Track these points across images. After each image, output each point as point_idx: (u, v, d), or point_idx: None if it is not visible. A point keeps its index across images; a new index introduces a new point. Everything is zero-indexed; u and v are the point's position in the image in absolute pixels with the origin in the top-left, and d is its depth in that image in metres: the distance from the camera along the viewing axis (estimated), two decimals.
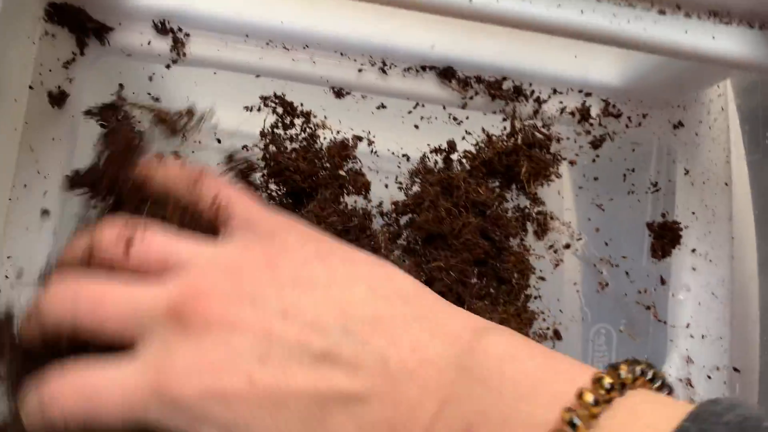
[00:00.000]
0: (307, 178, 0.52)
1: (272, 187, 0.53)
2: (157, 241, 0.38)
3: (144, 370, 0.34)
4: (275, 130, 0.54)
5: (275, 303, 0.34)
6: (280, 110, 0.54)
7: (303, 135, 0.54)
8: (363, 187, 0.54)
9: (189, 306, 0.34)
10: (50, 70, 0.52)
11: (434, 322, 0.33)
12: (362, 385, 0.31)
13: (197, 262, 0.36)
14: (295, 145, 0.54)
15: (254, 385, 0.31)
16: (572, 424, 0.27)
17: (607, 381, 0.29)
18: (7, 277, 0.50)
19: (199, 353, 0.33)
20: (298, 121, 0.54)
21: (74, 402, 0.34)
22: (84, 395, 0.34)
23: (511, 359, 0.31)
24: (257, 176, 0.52)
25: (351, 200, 0.54)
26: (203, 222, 0.40)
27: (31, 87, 0.51)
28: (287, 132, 0.54)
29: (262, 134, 0.54)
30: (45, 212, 0.51)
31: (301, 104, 0.55)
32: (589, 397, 0.28)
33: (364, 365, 0.31)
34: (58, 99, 0.52)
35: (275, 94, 0.54)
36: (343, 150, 0.54)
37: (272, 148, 0.53)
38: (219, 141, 0.54)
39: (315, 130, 0.54)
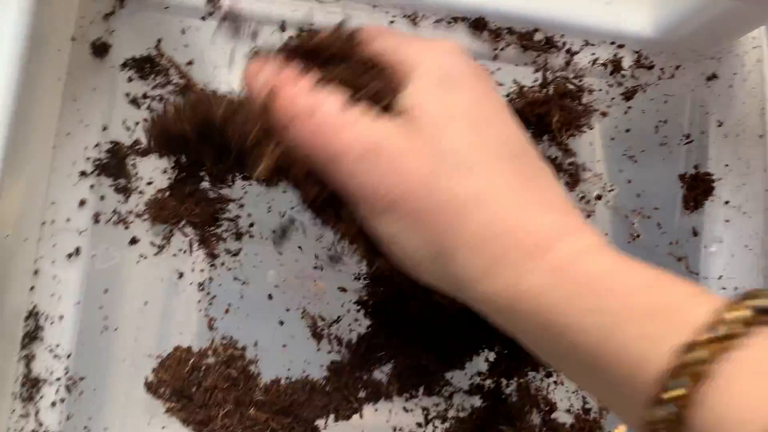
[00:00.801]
0: None
1: None
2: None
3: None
4: None
5: None
6: None
7: None
8: None
9: None
10: (91, 23, 0.54)
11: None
12: None
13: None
14: None
15: None
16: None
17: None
18: (54, 221, 0.52)
19: None
20: None
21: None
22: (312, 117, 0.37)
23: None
24: None
25: None
26: None
27: (73, 39, 0.53)
28: None
29: None
30: (87, 159, 0.53)
31: None
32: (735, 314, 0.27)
33: None
34: (100, 50, 0.53)
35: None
36: None
37: None
38: None
39: None
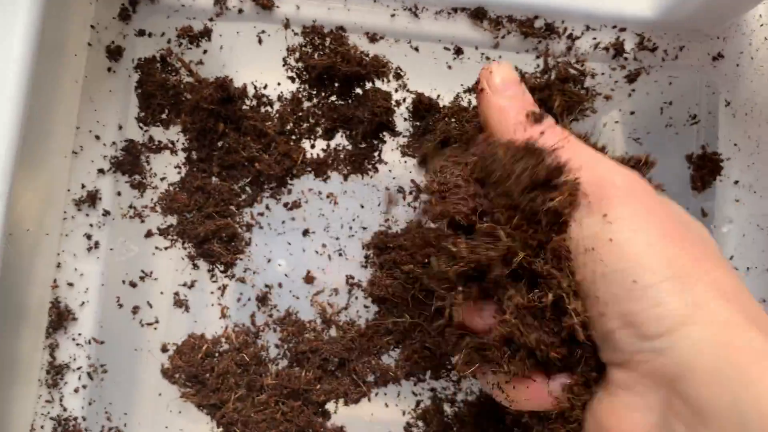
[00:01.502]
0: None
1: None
2: None
3: None
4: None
5: None
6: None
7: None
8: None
9: None
10: (106, 28, 0.56)
11: None
12: None
13: None
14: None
15: None
16: None
17: None
18: (74, 217, 0.55)
19: None
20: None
21: None
22: None
23: None
24: None
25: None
26: None
27: (89, 44, 0.56)
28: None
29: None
30: (104, 157, 0.56)
31: None
32: None
33: None
34: (114, 54, 0.56)
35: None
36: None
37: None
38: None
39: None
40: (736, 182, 0.58)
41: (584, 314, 0.37)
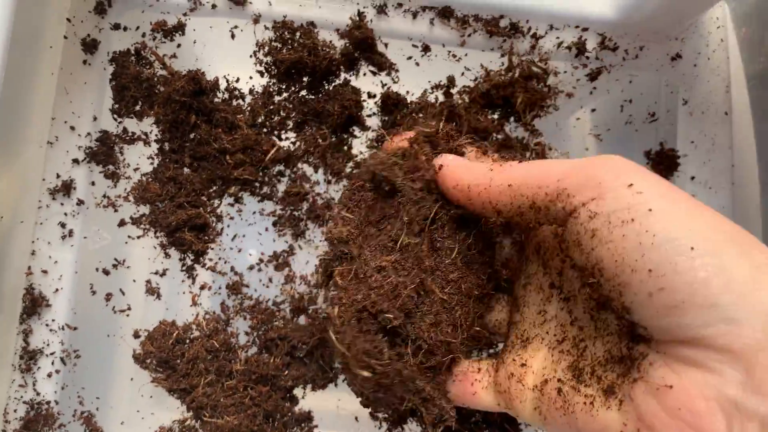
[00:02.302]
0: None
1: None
2: None
3: None
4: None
5: None
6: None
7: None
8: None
9: None
10: (82, 21, 0.58)
11: None
12: None
13: None
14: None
15: None
16: None
17: None
18: (48, 206, 0.56)
19: None
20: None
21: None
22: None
23: None
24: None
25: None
26: None
27: (65, 37, 0.57)
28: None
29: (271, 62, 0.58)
30: (79, 147, 0.57)
31: None
32: None
33: None
34: (90, 47, 0.57)
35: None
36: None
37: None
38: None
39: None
40: (693, 178, 0.60)
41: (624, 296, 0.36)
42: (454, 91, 0.59)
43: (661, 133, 0.61)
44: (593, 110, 0.60)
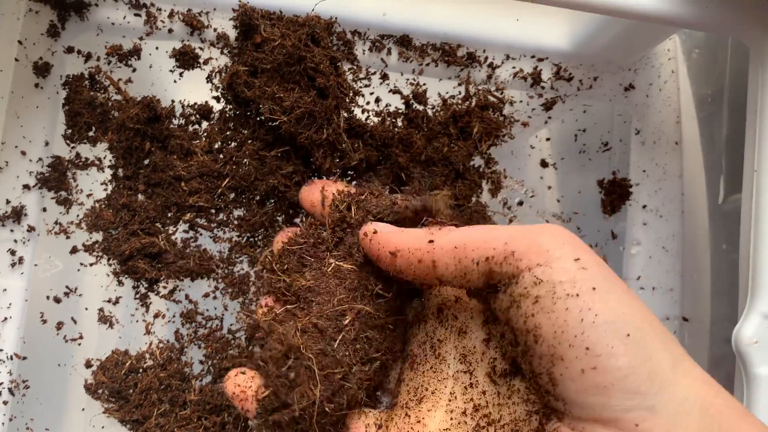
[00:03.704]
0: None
1: None
2: None
3: None
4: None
5: None
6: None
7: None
8: None
9: None
10: (34, 44, 0.57)
11: None
12: None
13: None
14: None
15: None
16: None
17: None
18: (2, 222, 0.55)
19: None
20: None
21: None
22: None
23: None
24: None
25: None
26: None
27: (16, 59, 0.56)
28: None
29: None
30: (30, 173, 0.56)
31: None
32: None
33: None
34: (42, 70, 0.56)
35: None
36: None
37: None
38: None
39: None
40: (644, 206, 0.61)
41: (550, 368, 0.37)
42: (411, 118, 0.60)
43: (614, 162, 0.62)
44: (548, 139, 0.61)
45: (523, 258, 0.37)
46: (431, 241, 0.41)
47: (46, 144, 0.56)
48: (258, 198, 0.58)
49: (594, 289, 0.35)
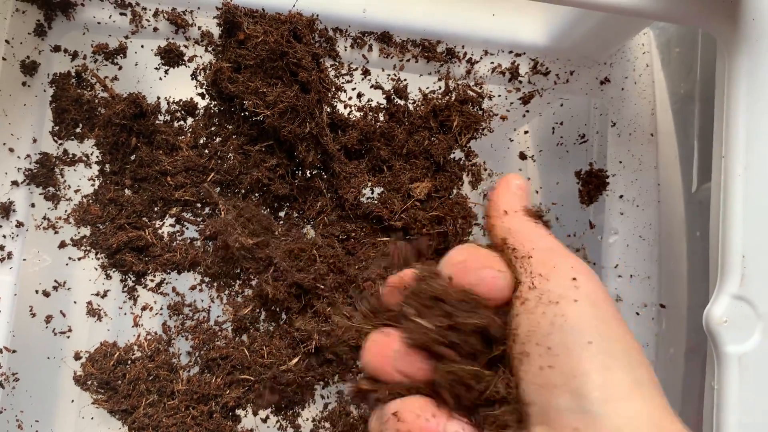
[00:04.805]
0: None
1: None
2: None
3: None
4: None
5: None
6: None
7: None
8: None
9: None
10: (21, 43, 0.58)
11: None
12: None
13: None
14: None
15: None
16: None
17: None
18: None
19: None
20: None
21: None
22: None
23: None
24: None
25: None
26: None
27: (4, 58, 0.57)
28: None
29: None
30: (18, 169, 0.57)
31: None
32: None
33: None
34: (29, 69, 0.57)
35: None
36: None
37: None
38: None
39: None
40: (621, 196, 0.63)
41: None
42: (392, 112, 0.61)
43: (591, 153, 0.64)
44: (526, 132, 0.62)
45: (534, 265, 0.40)
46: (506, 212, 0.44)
47: (34, 141, 0.57)
48: (243, 192, 0.59)
49: (576, 301, 0.37)
